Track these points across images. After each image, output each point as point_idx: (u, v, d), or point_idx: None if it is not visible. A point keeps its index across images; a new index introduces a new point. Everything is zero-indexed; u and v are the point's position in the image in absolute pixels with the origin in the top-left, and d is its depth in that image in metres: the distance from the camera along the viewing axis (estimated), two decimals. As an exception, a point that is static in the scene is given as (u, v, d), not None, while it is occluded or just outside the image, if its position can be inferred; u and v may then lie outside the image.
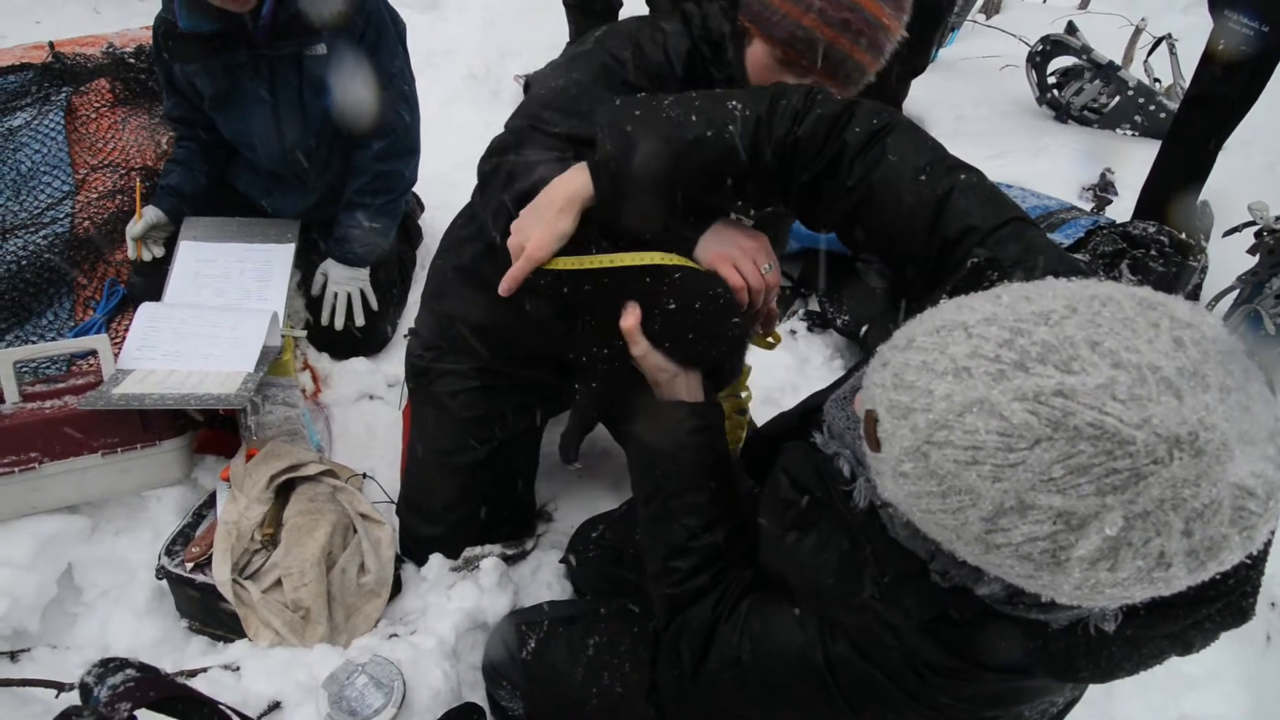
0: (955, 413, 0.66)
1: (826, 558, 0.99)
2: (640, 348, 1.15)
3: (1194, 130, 2.75)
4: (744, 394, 1.44)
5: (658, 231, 1.17)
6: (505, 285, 1.15)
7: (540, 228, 1.12)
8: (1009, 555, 0.66)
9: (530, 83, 1.47)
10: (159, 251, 2.33)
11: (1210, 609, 0.79)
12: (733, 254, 1.19)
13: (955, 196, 1.01)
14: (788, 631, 1.02)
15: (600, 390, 1.28)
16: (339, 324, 2.39)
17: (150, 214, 2.29)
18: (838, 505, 0.99)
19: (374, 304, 2.43)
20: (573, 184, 1.13)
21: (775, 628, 1.04)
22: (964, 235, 0.99)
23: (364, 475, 2.10)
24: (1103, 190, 3.37)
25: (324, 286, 2.40)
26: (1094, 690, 1.86)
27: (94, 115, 2.69)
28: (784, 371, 2.60)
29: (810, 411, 1.13)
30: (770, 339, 1.33)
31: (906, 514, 0.77)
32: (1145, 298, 0.66)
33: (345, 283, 2.38)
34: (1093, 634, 0.81)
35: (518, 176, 1.28)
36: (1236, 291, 2.47)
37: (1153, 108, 3.79)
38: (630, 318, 1.14)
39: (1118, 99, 3.86)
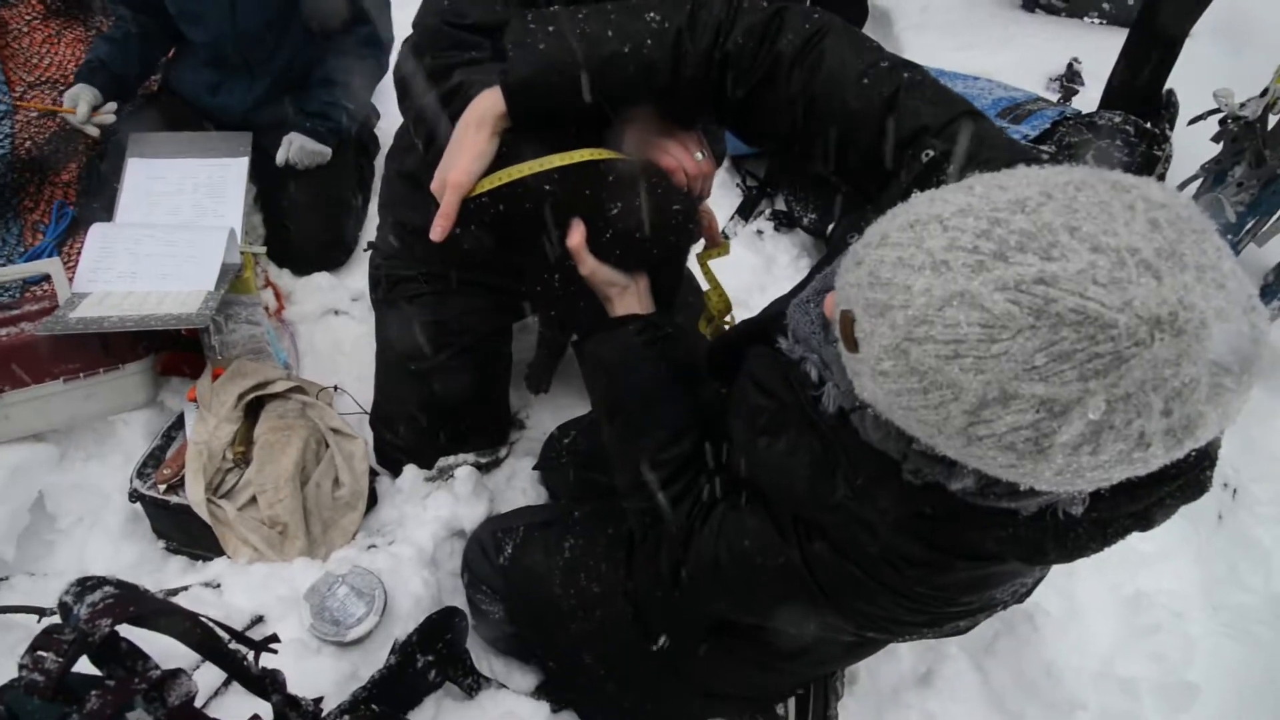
0: (935, 307, 0.65)
1: (798, 461, 1.00)
2: (588, 265, 1.14)
3: (1160, 18, 2.71)
4: (717, 308, 1.40)
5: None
6: (438, 228, 1.10)
7: (459, 155, 1.08)
8: (991, 446, 0.67)
9: None
10: (95, 132, 2.22)
11: (1171, 486, 0.81)
12: (663, 142, 1.17)
13: (902, 96, 0.99)
14: (764, 533, 1.04)
15: (559, 316, 1.26)
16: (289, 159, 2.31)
17: (84, 94, 2.16)
18: (807, 410, 1.00)
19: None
20: (485, 105, 1.09)
21: (751, 529, 1.05)
22: (916, 134, 0.97)
23: (335, 388, 2.09)
24: (1069, 81, 3.33)
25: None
26: (1055, 572, 1.93)
27: (26, 29, 2.55)
28: (750, 273, 2.59)
29: (775, 317, 1.12)
30: (719, 249, 1.31)
31: (886, 413, 0.76)
32: (1118, 181, 0.66)
33: (306, 158, 2.31)
34: (1061, 518, 0.83)
35: (435, 82, 1.24)
36: (1200, 180, 2.47)
37: (1120, -7, 3.72)
38: (575, 235, 1.12)
39: (1085, -15, 3.78)
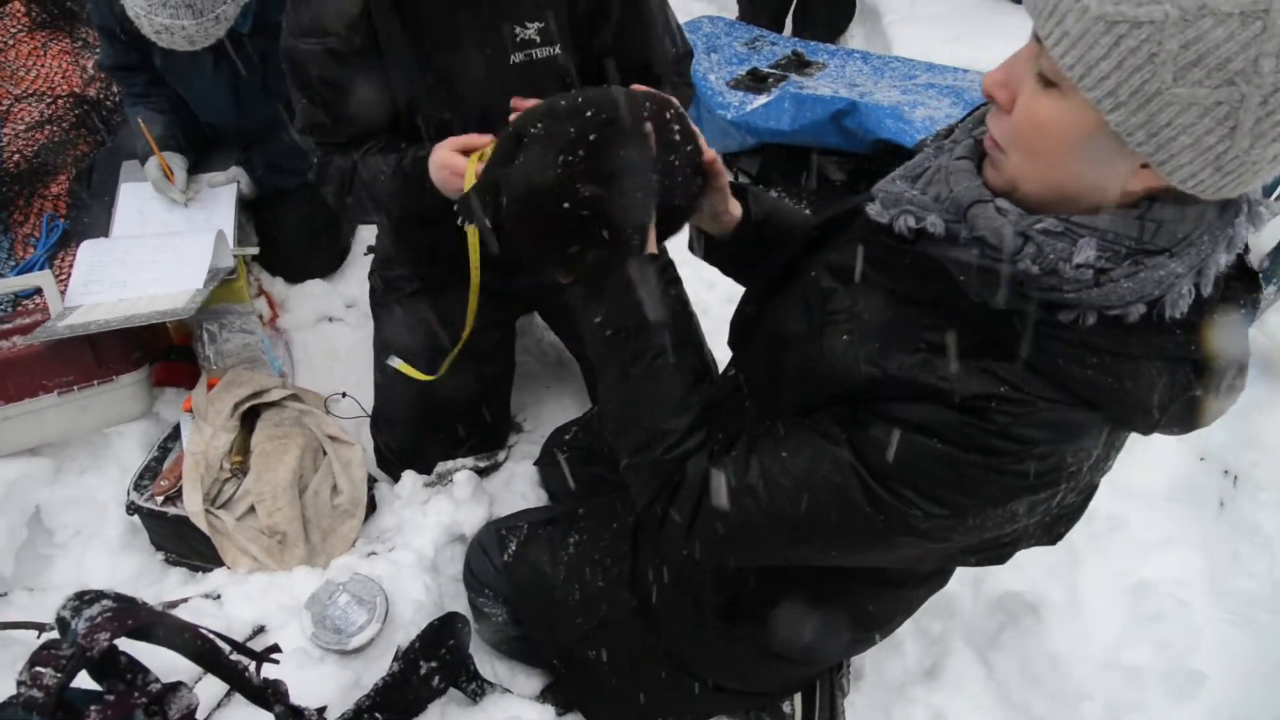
0: None
1: (873, 322, 0.98)
2: None
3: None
4: None
5: None
6: None
7: None
8: None
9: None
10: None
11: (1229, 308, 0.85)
12: None
13: None
14: (806, 440, 1.01)
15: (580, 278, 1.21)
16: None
17: (177, 164, 2.20)
18: (899, 257, 0.98)
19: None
20: None
21: (790, 443, 1.02)
22: None
23: (343, 395, 2.08)
24: (1059, 71, 3.33)
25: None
26: (1059, 558, 1.92)
27: (11, 42, 2.55)
28: (746, 270, 2.58)
29: (853, 208, 1.09)
30: None
31: (1077, 50, 0.77)
32: None
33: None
34: (1166, 319, 0.83)
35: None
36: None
37: (1108, -17, 3.72)
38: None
39: (1073, -24, 3.78)
